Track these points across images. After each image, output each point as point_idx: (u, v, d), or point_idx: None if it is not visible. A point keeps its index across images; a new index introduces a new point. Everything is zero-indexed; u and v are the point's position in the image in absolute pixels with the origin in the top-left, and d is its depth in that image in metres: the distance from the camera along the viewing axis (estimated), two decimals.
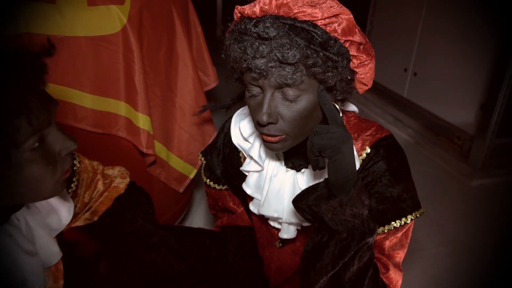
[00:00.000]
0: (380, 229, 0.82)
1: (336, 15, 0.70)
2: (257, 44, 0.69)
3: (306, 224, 0.89)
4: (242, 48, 0.71)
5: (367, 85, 0.82)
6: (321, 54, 0.70)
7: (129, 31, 1.15)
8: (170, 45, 1.34)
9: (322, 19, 0.70)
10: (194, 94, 1.42)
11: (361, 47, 0.74)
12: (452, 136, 2.60)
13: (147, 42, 1.23)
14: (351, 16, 0.72)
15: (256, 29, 0.69)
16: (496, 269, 1.76)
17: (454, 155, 2.51)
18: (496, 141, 2.31)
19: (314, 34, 0.69)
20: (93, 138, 1.22)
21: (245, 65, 0.72)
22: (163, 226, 1.11)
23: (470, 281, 1.69)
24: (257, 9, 0.71)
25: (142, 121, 1.20)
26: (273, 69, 0.70)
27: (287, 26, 0.69)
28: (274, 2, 0.69)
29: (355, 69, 0.77)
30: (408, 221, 0.81)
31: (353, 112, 0.94)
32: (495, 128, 2.26)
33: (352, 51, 0.74)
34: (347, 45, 0.73)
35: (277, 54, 0.68)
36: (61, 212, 0.81)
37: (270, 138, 0.77)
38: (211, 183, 1.08)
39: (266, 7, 0.70)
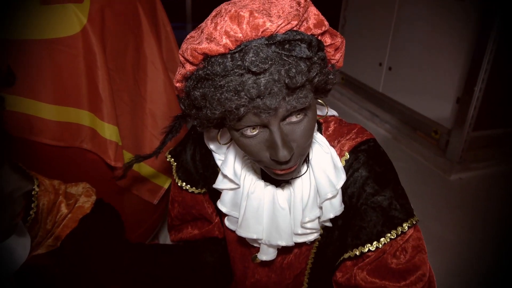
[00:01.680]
0: (374, 245, 0.74)
1: (303, 13, 0.62)
2: (253, 81, 0.59)
3: (286, 245, 0.81)
4: (233, 93, 0.60)
5: (339, 67, 0.75)
6: (315, 58, 0.62)
7: (90, 32, 1.04)
8: (137, 46, 1.23)
9: (297, 23, 0.61)
10: (166, 98, 1.32)
11: (331, 32, 0.68)
12: (429, 131, 2.59)
13: (110, 43, 1.12)
14: (310, 3, 0.64)
15: (245, 63, 0.58)
16: (477, 262, 1.76)
17: (431, 149, 2.51)
18: (473, 134, 2.33)
19: (300, 42, 0.61)
20: (54, 151, 1.10)
21: (243, 111, 0.61)
22: (135, 246, 1.02)
23: (451, 275, 1.68)
24: (228, 42, 0.59)
25: (109, 132, 1.09)
26: (284, 100, 0.61)
27: (273, 46, 0.59)
28: (247, 27, 0.58)
29: (331, 58, 0.70)
30: (405, 230, 0.73)
31: (333, 116, 0.87)
32: (472, 121, 2.26)
33: (327, 40, 0.67)
34: (319, 37, 0.66)
35: (286, 81, 0.59)
36: (15, 251, 0.70)
37: (289, 169, 0.69)
38: (188, 187, 0.96)
39: (240, 35, 0.58)
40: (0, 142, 0.55)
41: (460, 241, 1.89)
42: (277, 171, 0.71)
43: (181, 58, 0.65)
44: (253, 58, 0.58)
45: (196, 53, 0.61)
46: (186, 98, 0.69)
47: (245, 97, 0.59)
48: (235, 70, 0.59)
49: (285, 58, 0.59)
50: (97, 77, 1.06)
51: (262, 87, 0.58)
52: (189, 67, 0.64)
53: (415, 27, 2.56)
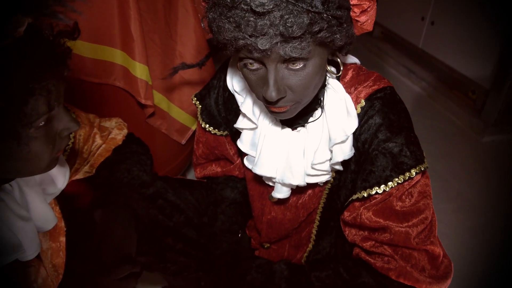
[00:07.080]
0: (382, 188, 0.77)
1: None
2: (252, 20, 0.60)
3: (298, 184, 0.86)
4: (235, 26, 0.62)
5: (368, 30, 0.74)
6: (325, 15, 0.62)
7: None
8: None
9: None
10: (196, 42, 1.35)
11: None
12: (466, 90, 2.50)
13: None
14: None
15: (248, 1, 0.60)
16: (499, 227, 1.75)
17: (466, 109, 2.43)
18: None
19: None
20: (89, 88, 1.18)
21: (241, 44, 0.64)
22: (162, 178, 1.10)
23: (472, 237, 1.68)
24: None
25: (140, 71, 1.15)
26: (278, 44, 0.63)
27: None
28: None
29: (356, 18, 0.70)
30: (413, 176, 0.75)
31: (354, 64, 0.87)
32: None
33: (353, 0, 0.67)
34: None
35: (280, 29, 0.60)
36: (56, 177, 0.79)
37: (279, 109, 0.73)
38: (211, 129, 1.02)
39: None
40: (63, 85, 0.61)
41: (484, 203, 1.87)
42: (271, 108, 0.74)
43: None
44: None
45: None
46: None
47: (242, 33, 0.62)
48: (242, 6, 0.61)
49: (290, 6, 0.60)
50: (129, 17, 1.10)
51: (258, 27, 0.60)
52: None
53: None
